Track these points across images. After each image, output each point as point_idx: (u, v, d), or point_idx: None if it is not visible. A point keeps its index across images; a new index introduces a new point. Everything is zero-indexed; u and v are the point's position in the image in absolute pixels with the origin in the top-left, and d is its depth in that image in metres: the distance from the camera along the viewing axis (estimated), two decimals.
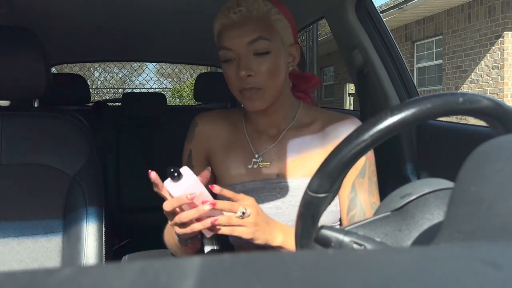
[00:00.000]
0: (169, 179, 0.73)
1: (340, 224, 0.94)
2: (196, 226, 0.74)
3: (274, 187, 0.92)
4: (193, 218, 0.74)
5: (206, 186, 0.78)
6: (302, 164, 0.93)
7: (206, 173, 0.80)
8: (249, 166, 0.95)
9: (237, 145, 0.97)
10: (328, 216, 0.91)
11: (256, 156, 0.95)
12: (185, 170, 0.75)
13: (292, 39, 0.92)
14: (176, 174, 0.73)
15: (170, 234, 0.90)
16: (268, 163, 0.94)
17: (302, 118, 0.97)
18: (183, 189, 0.73)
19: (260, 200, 0.90)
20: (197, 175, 0.91)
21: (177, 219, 0.74)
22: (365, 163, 0.90)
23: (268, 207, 0.90)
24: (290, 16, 0.92)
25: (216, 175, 0.98)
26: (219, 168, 0.97)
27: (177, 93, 10.26)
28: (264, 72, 0.86)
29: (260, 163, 0.95)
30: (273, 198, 0.91)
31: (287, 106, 0.96)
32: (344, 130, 0.93)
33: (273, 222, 0.81)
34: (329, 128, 0.94)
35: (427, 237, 0.46)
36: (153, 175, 0.75)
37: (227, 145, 0.97)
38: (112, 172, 2.32)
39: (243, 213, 0.76)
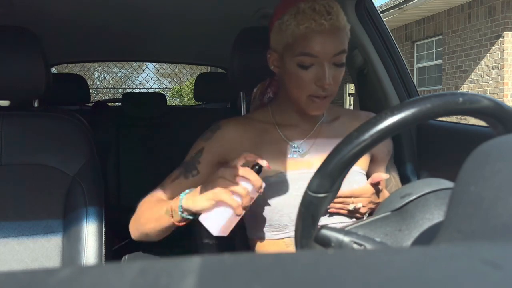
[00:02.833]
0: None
1: None
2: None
3: (309, 176, 0.93)
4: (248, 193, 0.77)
5: None
6: None
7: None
8: (289, 156, 0.96)
9: (269, 142, 0.97)
10: None
11: (295, 145, 0.97)
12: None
13: None
14: (258, 167, 0.80)
15: (156, 207, 0.88)
16: (306, 152, 0.96)
17: (330, 114, 1.02)
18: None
19: (295, 190, 0.91)
20: (201, 172, 0.91)
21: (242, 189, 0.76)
22: (391, 144, 1.04)
23: (301, 195, 0.92)
24: None
25: None
26: None
27: (177, 93, 10.26)
28: (337, 83, 0.90)
29: (300, 152, 0.96)
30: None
31: None
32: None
33: None
34: (357, 123, 0.97)
35: (427, 237, 0.46)
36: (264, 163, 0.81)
37: (257, 145, 0.97)
38: (112, 172, 2.32)
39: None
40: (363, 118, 1.01)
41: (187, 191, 0.83)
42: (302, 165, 0.95)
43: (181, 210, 0.80)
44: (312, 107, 0.91)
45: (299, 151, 0.96)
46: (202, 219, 0.78)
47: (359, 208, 0.89)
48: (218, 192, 0.75)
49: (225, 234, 0.78)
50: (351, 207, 0.89)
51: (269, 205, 0.92)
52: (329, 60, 0.87)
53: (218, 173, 0.78)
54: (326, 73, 0.86)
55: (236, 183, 0.76)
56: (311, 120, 1.00)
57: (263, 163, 0.80)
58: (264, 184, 0.79)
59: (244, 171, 0.77)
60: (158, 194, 0.93)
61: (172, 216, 0.82)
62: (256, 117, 1.02)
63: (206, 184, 0.79)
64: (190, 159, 0.96)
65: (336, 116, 1.02)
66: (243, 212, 0.77)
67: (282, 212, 0.92)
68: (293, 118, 0.99)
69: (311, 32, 0.85)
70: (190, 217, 0.81)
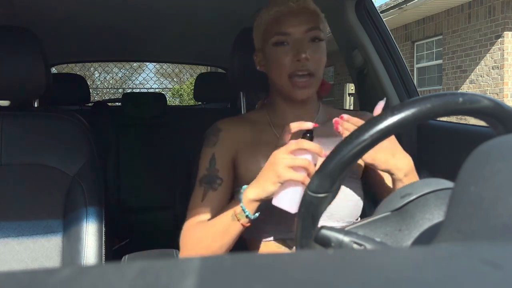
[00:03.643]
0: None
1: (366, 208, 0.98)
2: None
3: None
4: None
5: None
6: None
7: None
8: None
9: (265, 143, 0.97)
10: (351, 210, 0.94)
11: None
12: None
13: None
14: (309, 135, 0.80)
15: (214, 224, 0.86)
16: None
17: (324, 115, 1.02)
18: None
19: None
20: (223, 178, 0.93)
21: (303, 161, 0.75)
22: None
23: None
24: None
25: (243, 175, 0.96)
26: (248, 167, 0.96)
27: (177, 93, 10.26)
28: (318, 58, 0.92)
29: None
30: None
31: (314, 102, 1.01)
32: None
33: None
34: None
35: (427, 237, 0.46)
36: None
37: (254, 145, 0.97)
38: (112, 172, 2.32)
39: None
40: (361, 118, 1.00)
41: (244, 187, 0.82)
42: None
43: (244, 209, 0.80)
44: (296, 89, 0.92)
45: None
46: (277, 202, 0.78)
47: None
48: (282, 173, 0.75)
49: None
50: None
51: (263, 206, 0.92)
52: (303, 35, 0.91)
53: (273, 158, 0.77)
54: (301, 48, 0.90)
55: (295, 159, 0.75)
56: (306, 120, 0.97)
57: (309, 125, 0.81)
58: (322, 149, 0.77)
59: (297, 144, 0.76)
60: (197, 218, 0.90)
61: (239, 220, 0.81)
62: (251, 117, 1.03)
63: (265, 171, 0.79)
64: (207, 171, 0.94)
65: (329, 117, 1.00)
66: None
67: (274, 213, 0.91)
68: (288, 118, 0.98)
69: (281, 14, 0.92)
70: (256, 215, 0.81)
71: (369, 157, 0.82)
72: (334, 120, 0.84)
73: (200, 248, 0.87)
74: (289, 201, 0.78)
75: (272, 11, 0.94)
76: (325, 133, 0.96)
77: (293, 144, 0.76)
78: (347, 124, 0.83)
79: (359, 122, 0.83)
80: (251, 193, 0.80)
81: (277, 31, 0.92)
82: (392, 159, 0.83)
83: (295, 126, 0.82)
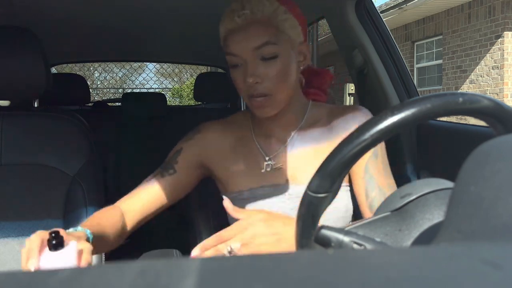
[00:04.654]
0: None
1: (357, 213, 0.90)
2: None
3: (283, 194, 0.89)
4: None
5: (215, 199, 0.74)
6: (312, 167, 0.88)
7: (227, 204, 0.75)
8: (263, 170, 0.91)
9: (245, 151, 0.94)
10: (339, 216, 0.88)
11: (267, 159, 0.91)
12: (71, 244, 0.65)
13: (301, 37, 0.88)
14: (54, 243, 0.64)
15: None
16: (280, 166, 0.91)
17: (311, 118, 0.94)
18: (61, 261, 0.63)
19: (268, 206, 0.87)
20: (177, 172, 0.92)
21: None
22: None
23: None
24: (298, 12, 0.88)
25: (223, 182, 0.95)
26: (226, 175, 0.94)
27: (177, 93, 10.26)
28: (273, 77, 0.82)
29: (273, 166, 0.91)
30: (282, 205, 0.88)
31: (297, 107, 0.93)
32: (351, 120, 0.90)
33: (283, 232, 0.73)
34: (336, 123, 0.91)
35: (427, 237, 0.46)
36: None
37: (234, 152, 0.94)
38: (112, 172, 2.32)
39: (230, 252, 0.70)
40: (348, 114, 0.92)
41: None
42: (275, 180, 0.90)
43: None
44: (256, 108, 0.85)
45: (272, 165, 0.91)
46: None
47: (238, 248, 0.71)
48: None
49: None
50: (226, 251, 0.71)
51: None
52: (252, 55, 0.82)
53: None
54: (248, 70, 0.82)
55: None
56: (287, 126, 0.93)
57: (232, 246, 0.70)
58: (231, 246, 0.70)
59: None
60: (136, 191, 0.94)
61: None
62: (236, 121, 0.98)
63: None
64: (169, 159, 0.96)
65: (319, 119, 0.93)
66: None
67: None
68: (269, 125, 0.93)
69: (227, 32, 0.84)
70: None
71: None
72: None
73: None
74: None
75: (221, 27, 0.86)
76: (306, 141, 0.91)
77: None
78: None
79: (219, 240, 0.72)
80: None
81: (227, 51, 0.85)
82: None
83: (211, 245, 0.72)
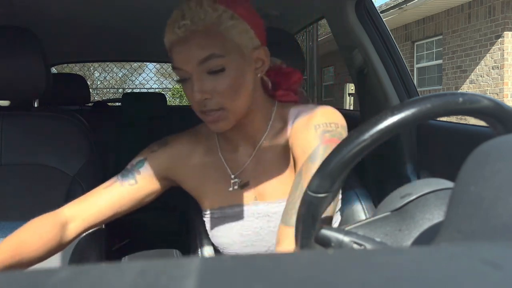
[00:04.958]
0: None
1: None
2: None
3: (252, 212, 0.85)
4: None
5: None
6: (279, 182, 0.84)
7: None
8: (230, 189, 0.86)
9: (212, 167, 0.89)
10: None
11: (232, 176, 0.87)
12: None
13: (255, 42, 0.79)
14: None
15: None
16: (245, 184, 0.86)
17: (276, 124, 0.86)
18: None
19: (239, 226, 0.85)
20: (137, 183, 0.88)
21: None
22: (318, 147, 0.76)
23: (247, 234, 0.85)
24: (250, 15, 0.79)
25: (195, 198, 0.92)
26: (197, 193, 0.91)
27: (177, 93, 10.26)
28: (222, 91, 0.75)
29: (239, 184, 0.86)
30: (252, 224, 0.85)
31: (261, 115, 0.85)
32: (307, 121, 0.81)
33: None
34: (294, 131, 0.82)
35: (427, 237, 0.46)
36: None
37: (202, 169, 0.89)
38: (112, 172, 2.32)
39: None
40: (307, 114, 0.82)
41: None
42: (243, 199, 0.86)
43: None
44: (210, 124, 0.79)
45: (238, 182, 0.86)
46: None
47: None
48: None
49: None
50: None
51: (216, 243, 0.88)
52: (197, 69, 0.74)
53: None
54: (194, 86, 0.75)
55: None
56: (252, 137, 0.86)
57: None
58: None
59: None
60: (87, 197, 0.89)
61: None
62: (204, 132, 0.91)
63: None
64: (131, 167, 0.91)
65: (285, 123, 0.85)
66: None
67: (228, 251, 0.87)
68: (233, 137, 0.87)
69: (170, 44, 0.77)
70: None
71: None
72: None
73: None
74: None
75: (165, 38, 0.79)
76: (270, 154, 0.85)
77: None
78: None
79: None
80: None
81: (173, 65, 0.78)
82: None
83: None
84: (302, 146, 0.79)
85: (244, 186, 0.86)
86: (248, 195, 0.86)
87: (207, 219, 0.90)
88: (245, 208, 0.86)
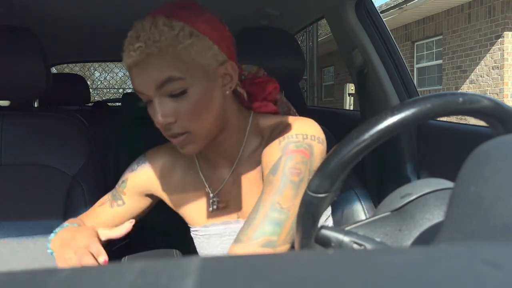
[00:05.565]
0: None
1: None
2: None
3: (235, 230, 0.82)
4: None
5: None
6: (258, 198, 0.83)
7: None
8: (210, 209, 0.85)
9: (192, 184, 0.87)
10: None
11: (211, 196, 0.85)
12: None
13: (221, 57, 0.74)
14: None
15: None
16: (226, 202, 0.85)
17: (253, 138, 0.82)
18: None
19: (222, 244, 0.85)
20: (125, 203, 0.91)
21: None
22: (280, 159, 0.74)
23: None
24: (213, 29, 0.73)
25: (177, 210, 0.92)
26: (179, 210, 0.90)
27: None
28: (186, 115, 0.71)
29: (218, 204, 0.85)
30: None
31: (236, 131, 0.81)
32: (281, 133, 0.78)
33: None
34: (265, 146, 0.79)
35: (427, 237, 0.46)
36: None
37: (182, 186, 0.87)
38: (112, 172, 2.32)
39: None
40: (276, 132, 0.79)
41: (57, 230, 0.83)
42: (224, 218, 0.85)
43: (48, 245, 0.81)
44: (178, 147, 0.76)
45: (217, 201, 0.85)
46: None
47: None
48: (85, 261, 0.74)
49: None
50: None
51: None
52: (156, 93, 0.71)
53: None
54: (155, 110, 0.72)
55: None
56: (228, 154, 0.83)
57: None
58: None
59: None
60: (84, 216, 0.93)
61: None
62: None
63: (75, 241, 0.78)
64: (117, 187, 0.92)
65: (257, 141, 0.82)
66: None
67: None
68: (210, 155, 0.84)
69: (128, 67, 0.72)
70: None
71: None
72: None
73: None
74: None
75: (123, 59, 0.73)
76: (247, 171, 0.82)
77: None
78: None
79: None
80: (53, 244, 0.81)
81: (134, 88, 0.74)
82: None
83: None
84: (266, 161, 0.76)
85: (225, 207, 0.86)
86: (228, 215, 0.85)
87: (193, 234, 0.91)
88: (227, 226, 0.85)
